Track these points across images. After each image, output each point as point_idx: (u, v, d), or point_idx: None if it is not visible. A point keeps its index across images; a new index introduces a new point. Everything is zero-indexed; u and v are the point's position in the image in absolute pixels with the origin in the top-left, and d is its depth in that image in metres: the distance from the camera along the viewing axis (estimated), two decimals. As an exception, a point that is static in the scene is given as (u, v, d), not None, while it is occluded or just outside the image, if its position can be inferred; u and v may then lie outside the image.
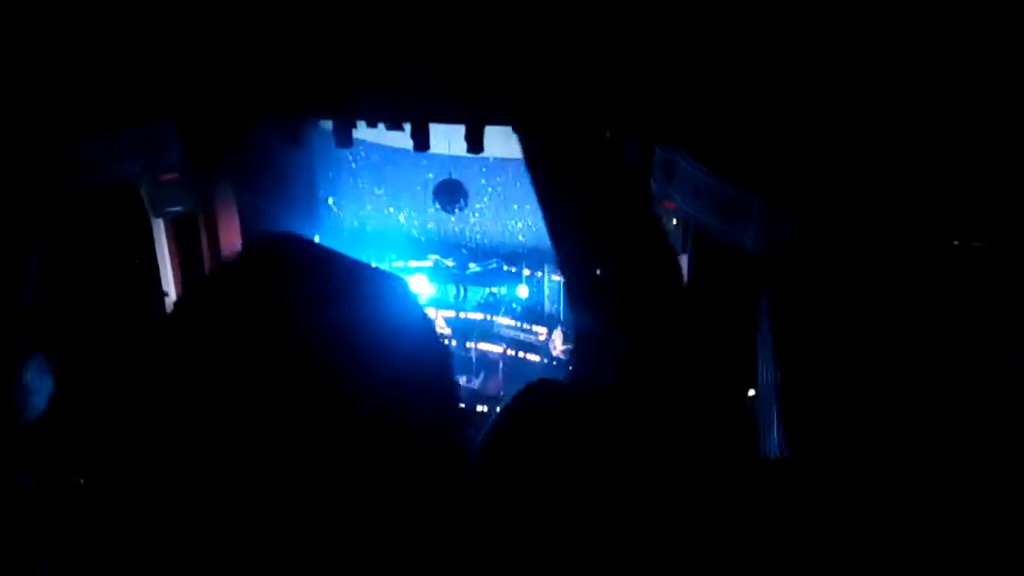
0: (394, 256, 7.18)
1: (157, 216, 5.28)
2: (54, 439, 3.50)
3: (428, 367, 0.69)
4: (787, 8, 3.80)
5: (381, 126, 5.42)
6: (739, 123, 4.26)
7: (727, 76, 4.19)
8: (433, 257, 7.23)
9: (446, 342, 6.55)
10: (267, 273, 0.67)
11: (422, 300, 6.84)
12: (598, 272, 0.91)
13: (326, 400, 0.61)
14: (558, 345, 6.56)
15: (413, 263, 7.18)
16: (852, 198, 3.83)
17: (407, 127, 5.32)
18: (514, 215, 7.25)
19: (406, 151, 5.96)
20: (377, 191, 7.58)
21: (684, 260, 5.04)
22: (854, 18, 3.61)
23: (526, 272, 7.03)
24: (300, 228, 6.84)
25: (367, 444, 0.61)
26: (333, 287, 0.67)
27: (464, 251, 7.20)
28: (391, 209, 7.64)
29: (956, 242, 3.43)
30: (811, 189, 3.97)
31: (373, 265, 0.73)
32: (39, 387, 3.42)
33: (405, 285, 0.74)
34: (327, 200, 7.50)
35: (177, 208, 5.27)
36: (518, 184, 7.04)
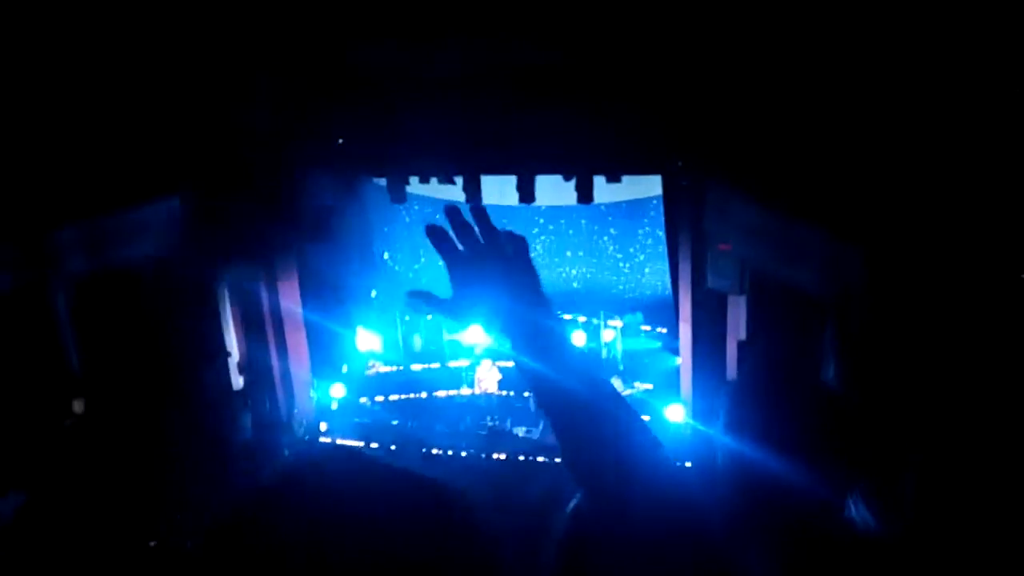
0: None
1: (221, 280, 5.42)
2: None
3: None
4: (854, 36, 3.69)
5: (434, 180, 5.52)
6: (793, 152, 4.10)
7: (777, 101, 4.09)
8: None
9: (503, 393, 6.51)
10: None
11: (478, 351, 6.87)
12: None
13: None
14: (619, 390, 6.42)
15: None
16: (931, 228, 3.52)
17: (459, 180, 5.40)
18: (568, 262, 7.26)
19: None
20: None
21: (742, 303, 4.91)
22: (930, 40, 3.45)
23: (581, 319, 6.97)
24: (357, 283, 6.96)
25: None
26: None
27: None
28: (445, 261, 7.69)
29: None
30: (881, 220, 3.69)
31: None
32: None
33: None
34: (383, 254, 7.61)
35: (240, 272, 5.41)
36: (571, 232, 7.07)
